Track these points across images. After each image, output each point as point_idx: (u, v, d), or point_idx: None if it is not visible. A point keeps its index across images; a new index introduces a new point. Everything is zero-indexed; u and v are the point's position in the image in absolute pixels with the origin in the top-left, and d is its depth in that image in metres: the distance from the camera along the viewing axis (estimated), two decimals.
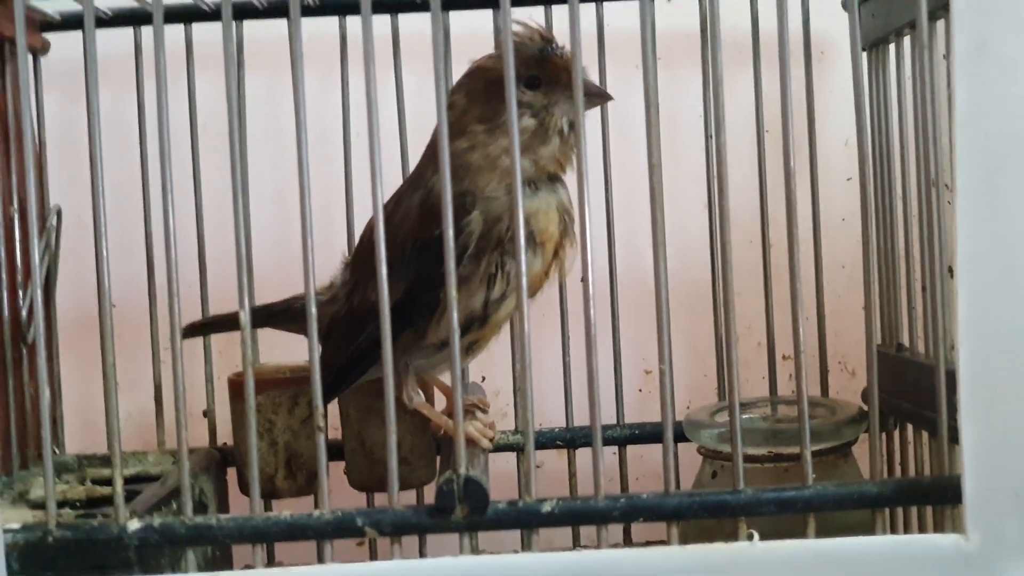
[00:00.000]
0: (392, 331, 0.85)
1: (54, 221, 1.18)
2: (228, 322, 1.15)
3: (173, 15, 1.19)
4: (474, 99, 0.98)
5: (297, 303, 1.10)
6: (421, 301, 0.97)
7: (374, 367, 1.00)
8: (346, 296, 1.05)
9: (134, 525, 0.87)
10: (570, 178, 1.01)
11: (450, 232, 0.84)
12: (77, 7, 1.19)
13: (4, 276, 1.10)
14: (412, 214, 0.98)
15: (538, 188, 0.99)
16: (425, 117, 1.11)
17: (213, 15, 1.20)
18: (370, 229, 0.95)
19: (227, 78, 0.86)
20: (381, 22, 1.19)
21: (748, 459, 1.01)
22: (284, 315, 1.11)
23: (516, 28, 0.96)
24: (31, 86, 1.19)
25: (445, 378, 1.10)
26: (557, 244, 1.00)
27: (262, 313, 1.11)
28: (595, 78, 1.17)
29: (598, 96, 1.01)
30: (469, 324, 0.98)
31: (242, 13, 1.19)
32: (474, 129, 0.97)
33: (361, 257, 1.03)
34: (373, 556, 1.25)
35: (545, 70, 0.97)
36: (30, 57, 1.20)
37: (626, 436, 1.24)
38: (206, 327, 1.20)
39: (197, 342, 1.22)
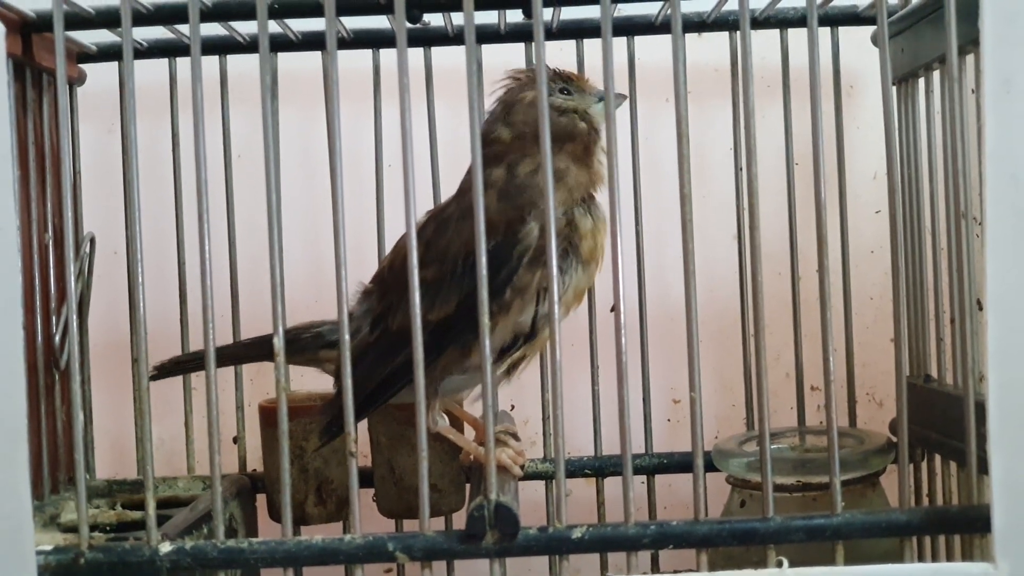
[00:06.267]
0: (437, 348, 0.85)
1: (87, 248, 1.19)
2: (199, 361, 1.04)
3: (209, 47, 1.19)
4: (528, 126, 1.01)
5: (304, 334, 1.08)
6: (474, 315, 0.95)
7: (403, 391, 1.00)
8: (372, 323, 1.05)
9: (166, 548, 0.88)
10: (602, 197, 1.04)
11: (482, 248, 0.84)
12: (113, 38, 1.20)
13: (38, 302, 1.11)
14: (464, 228, 0.98)
15: (589, 207, 1.02)
16: (457, 148, 1.13)
17: (248, 47, 1.21)
18: (402, 253, 0.95)
19: (263, 110, 0.87)
20: (415, 55, 1.20)
21: (777, 488, 1.01)
22: (290, 347, 1.01)
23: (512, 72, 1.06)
24: (68, 116, 1.20)
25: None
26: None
27: (267, 344, 0.97)
28: (627, 111, 1.18)
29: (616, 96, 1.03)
30: (518, 339, 0.99)
31: (277, 46, 1.20)
32: (535, 151, 0.98)
33: (396, 280, 1.01)
34: None
35: (569, 81, 1.05)
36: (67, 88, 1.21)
37: (655, 465, 1.24)
38: (178, 366, 1.15)
39: (228, 368, 1.23)
